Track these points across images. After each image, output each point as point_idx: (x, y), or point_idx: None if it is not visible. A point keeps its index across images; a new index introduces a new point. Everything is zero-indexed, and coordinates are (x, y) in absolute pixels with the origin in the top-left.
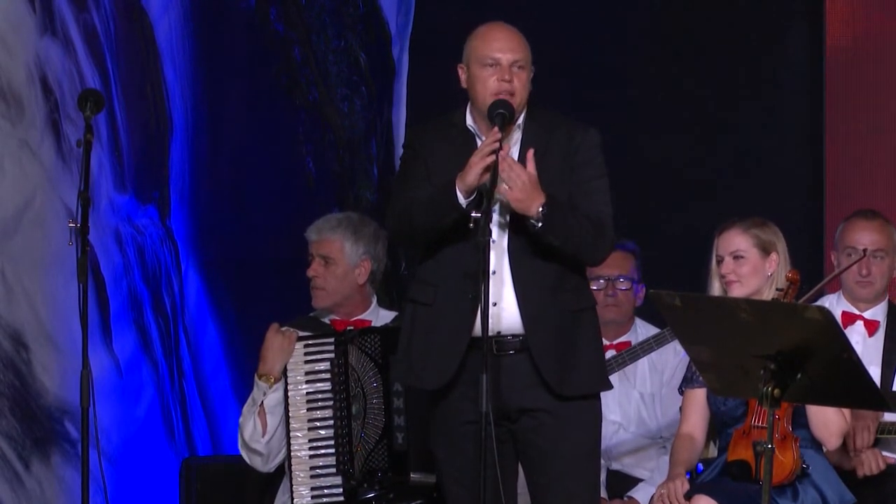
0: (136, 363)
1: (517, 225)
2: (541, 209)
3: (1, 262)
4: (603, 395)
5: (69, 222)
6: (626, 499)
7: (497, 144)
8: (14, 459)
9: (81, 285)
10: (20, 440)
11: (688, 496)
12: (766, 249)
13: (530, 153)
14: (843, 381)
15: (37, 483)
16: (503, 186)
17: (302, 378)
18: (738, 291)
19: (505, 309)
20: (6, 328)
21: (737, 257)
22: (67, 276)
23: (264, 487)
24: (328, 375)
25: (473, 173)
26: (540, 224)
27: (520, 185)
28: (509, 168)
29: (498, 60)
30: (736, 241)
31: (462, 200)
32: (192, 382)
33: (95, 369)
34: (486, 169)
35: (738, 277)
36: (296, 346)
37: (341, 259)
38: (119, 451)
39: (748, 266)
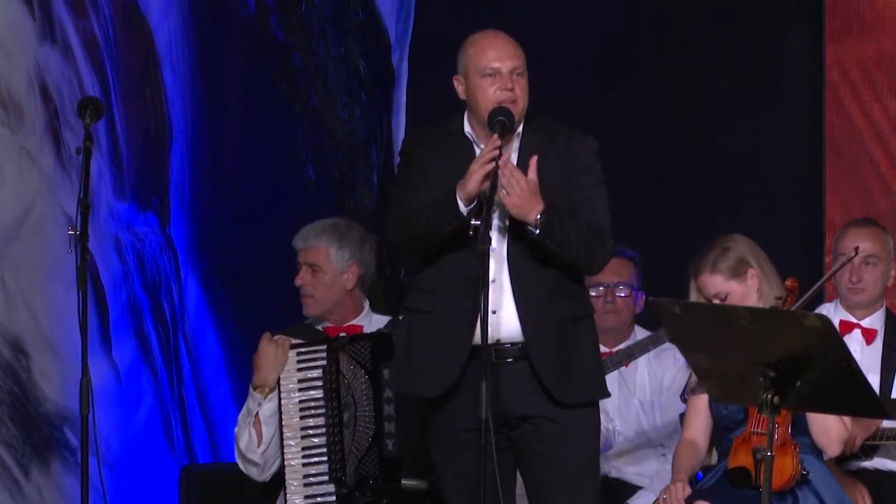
0: (136, 371)
1: (516, 232)
2: (539, 216)
3: (1, 270)
4: (602, 402)
5: (69, 230)
6: None
7: (497, 152)
8: (13, 467)
9: (81, 293)
10: (20, 447)
11: (688, 501)
12: (740, 272)
13: (533, 160)
14: (843, 389)
15: (36, 490)
16: (502, 192)
17: (295, 386)
18: None
19: (504, 317)
20: (6, 335)
21: (721, 299)
22: (67, 283)
23: (263, 495)
24: (321, 383)
25: (474, 181)
26: (538, 231)
27: (518, 192)
28: (510, 174)
29: (497, 69)
30: (712, 285)
31: (462, 208)
32: (192, 390)
33: (95, 377)
34: (486, 176)
35: None
36: (289, 354)
37: (328, 266)
38: (118, 458)
39: (735, 299)
